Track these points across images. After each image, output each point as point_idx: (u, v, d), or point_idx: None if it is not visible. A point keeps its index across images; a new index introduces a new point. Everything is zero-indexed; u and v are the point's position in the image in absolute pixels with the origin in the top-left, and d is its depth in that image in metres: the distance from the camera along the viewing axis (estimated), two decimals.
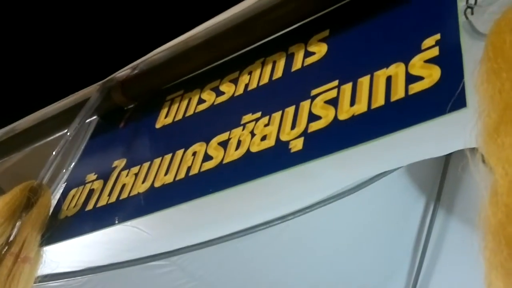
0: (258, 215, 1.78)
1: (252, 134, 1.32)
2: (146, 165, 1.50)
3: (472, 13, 1.38)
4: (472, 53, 1.09)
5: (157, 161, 1.48)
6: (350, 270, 2.94)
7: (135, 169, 1.52)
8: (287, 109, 1.31)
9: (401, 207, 3.20)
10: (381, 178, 2.67)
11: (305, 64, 1.42)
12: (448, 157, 3.20)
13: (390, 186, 2.89)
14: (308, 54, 1.44)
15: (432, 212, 3.25)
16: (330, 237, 2.75)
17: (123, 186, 1.50)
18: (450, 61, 1.11)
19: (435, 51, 1.15)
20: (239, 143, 1.33)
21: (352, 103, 1.20)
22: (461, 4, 1.34)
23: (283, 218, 2.28)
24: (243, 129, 1.36)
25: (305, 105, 1.29)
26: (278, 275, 2.68)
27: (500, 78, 0.83)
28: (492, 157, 0.74)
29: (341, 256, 2.85)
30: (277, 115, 1.32)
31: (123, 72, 1.78)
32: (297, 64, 1.44)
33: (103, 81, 1.79)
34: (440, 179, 3.24)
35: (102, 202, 1.51)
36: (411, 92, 1.12)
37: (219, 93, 1.56)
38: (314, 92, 1.30)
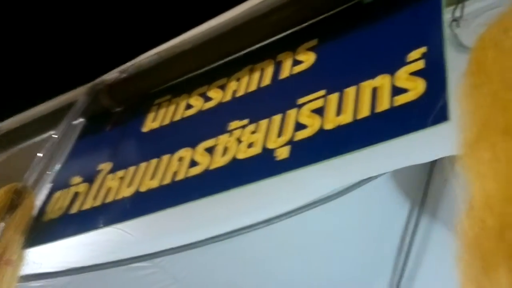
0: (243, 219, 1.79)
1: (239, 141, 1.33)
2: (132, 169, 1.50)
3: (458, 26, 1.41)
4: (457, 67, 1.11)
5: (143, 165, 1.48)
6: (335, 272, 2.96)
7: (121, 173, 1.52)
8: (274, 117, 1.32)
9: (387, 211, 3.23)
10: (367, 182, 2.70)
11: (293, 72, 1.43)
12: (433, 163, 3.23)
13: (377, 190, 2.91)
14: (296, 62, 1.45)
15: (417, 216, 3.28)
16: (316, 240, 2.76)
17: (108, 190, 1.50)
18: (435, 74, 1.13)
19: (420, 64, 1.17)
20: (225, 149, 1.34)
21: (338, 113, 1.22)
22: (447, 17, 1.36)
23: (269, 221, 2.28)
24: (230, 136, 1.36)
25: (291, 113, 1.30)
26: (262, 277, 2.69)
27: (481, 93, 0.85)
28: (470, 172, 0.75)
29: (326, 259, 2.86)
30: (264, 123, 1.33)
31: (111, 75, 1.78)
32: (285, 72, 1.45)
33: (91, 83, 1.79)
34: (425, 184, 3.28)
35: (87, 205, 1.51)
36: (395, 104, 1.14)
37: (207, 99, 1.57)
38: (301, 101, 1.31)
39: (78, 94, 1.79)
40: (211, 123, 1.46)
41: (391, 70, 1.20)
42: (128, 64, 1.75)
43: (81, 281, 2.17)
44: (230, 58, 1.59)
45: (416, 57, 1.19)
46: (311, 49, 1.45)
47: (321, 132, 1.21)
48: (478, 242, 0.63)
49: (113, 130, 1.74)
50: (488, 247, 0.62)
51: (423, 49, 1.20)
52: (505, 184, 0.69)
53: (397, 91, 1.16)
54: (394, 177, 3.05)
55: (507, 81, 0.84)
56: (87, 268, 2.01)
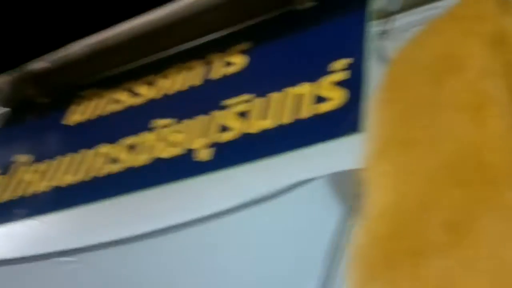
0: (166, 218, 1.77)
1: (162, 139, 1.32)
2: (52, 162, 1.46)
3: (387, 39, 1.45)
4: (380, 79, 1.14)
5: (64, 159, 1.44)
6: (264, 275, 2.97)
7: (40, 166, 1.47)
8: (199, 118, 1.32)
9: (320, 215, 3.26)
10: (301, 186, 2.72)
11: (223, 74, 1.43)
12: None
13: (311, 194, 2.94)
14: (227, 64, 1.45)
15: (350, 221, 3.34)
16: (247, 242, 2.77)
17: (27, 183, 1.46)
18: (357, 85, 1.16)
19: (344, 75, 1.20)
20: (148, 147, 1.33)
21: (262, 117, 1.23)
22: (376, 30, 1.40)
23: (196, 222, 2.27)
24: (153, 134, 1.35)
25: (217, 115, 1.30)
26: (191, 278, 2.67)
27: (389, 108, 0.87)
28: (371, 183, 0.77)
29: (256, 262, 2.87)
30: (189, 123, 1.32)
31: (38, 65, 1.71)
32: (215, 73, 1.45)
33: (16, 72, 1.72)
34: (359, 189, 3.34)
35: (4, 197, 1.47)
36: (317, 112, 1.16)
37: (134, 94, 1.54)
38: (227, 103, 1.31)
39: (1, 82, 1.72)
40: (137, 120, 1.44)
41: (316, 78, 1.22)
42: (56, 53, 1.69)
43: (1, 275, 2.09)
44: (161, 54, 1.57)
45: (340, 67, 1.21)
46: (242, 52, 1.45)
47: (245, 135, 1.22)
48: (366, 251, 0.64)
49: (37, 121, 1.68)
50: (374, 256, 0.63)
51: (348, 60, 1.22)
52: (400, 196, 0.71)
53: (319, 99, 1.18)
54: (330, 181, 3.10)
55: (415, 97, 0.87)
56: (5, 262, 1.94)
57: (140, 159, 1.31)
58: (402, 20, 1.45)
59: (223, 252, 2.62)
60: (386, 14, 1.44)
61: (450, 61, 0.85)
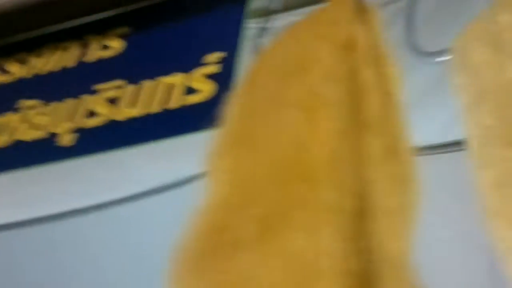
0: (35, 205, 1.70)
1: (26, 121, 1.27)
2: None
3: (266, 37, 1.48)
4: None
5: None
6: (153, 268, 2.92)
7: None
8: (67, 101, 1.28)
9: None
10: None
11: (99, 57, 1.40)
12: None
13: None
14: (103, 47, 1.41)
15: None
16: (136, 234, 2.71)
17: None
18: (229, 79, 1.18)
19: (216, 68, 1.21)
20: (10, 128, 1.27)
21: (131, 105, 1.22)
22: (256, 27, 1.43)
23: (82, 211, 2.19)
24: (18, 115, 1.29)
25: (86, 99, 1.27)
26: (73, 270, 2.57)
27: (240, 104, 0.89)
28: (212, 179, 0.78)
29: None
30: (56, 105, 1.28)
31: None
32: (90, 56, 1.41)
33: None
34: None
35: None
36: (184, 103, 1.17)
37: (4, 72, 1.46)
38: (98, 87, 1.29)
39: None
40: (3, 99, 1.37)
41: (188, 69, 1.23)
42: None
43: None
44: (36, 32, 1.49)
45: (213, 60, 1.23)
46: (121, 36, 1.42)
47: (111, 122, 1.21)
48: (189, 243, 0.65)
49: None
50: (194, 249, 0.65)
51: (222, 54, 1.24)
52: (231, 192, 0.73)
53: (189, 90, 1.19)
54: None
55: (263, 95, 0.89)
56: None
57: (0, 140, 1.25)
58: (284, 19, 1.48)
59: (90, 246, 2.54)
60: (268, 12, 1.47)
61: (298, 63, 0.88)
